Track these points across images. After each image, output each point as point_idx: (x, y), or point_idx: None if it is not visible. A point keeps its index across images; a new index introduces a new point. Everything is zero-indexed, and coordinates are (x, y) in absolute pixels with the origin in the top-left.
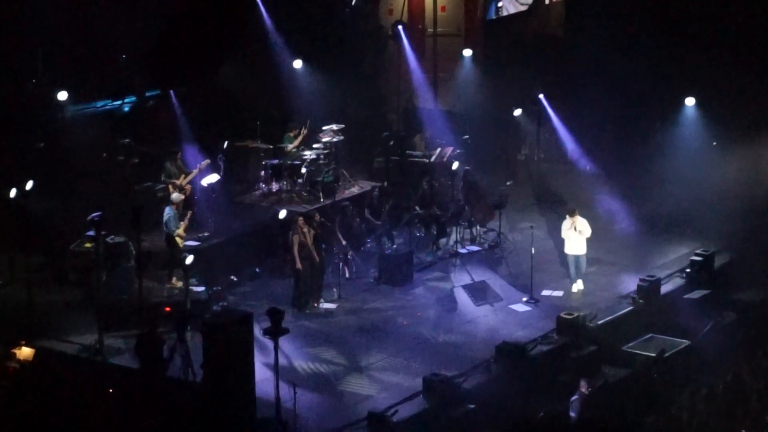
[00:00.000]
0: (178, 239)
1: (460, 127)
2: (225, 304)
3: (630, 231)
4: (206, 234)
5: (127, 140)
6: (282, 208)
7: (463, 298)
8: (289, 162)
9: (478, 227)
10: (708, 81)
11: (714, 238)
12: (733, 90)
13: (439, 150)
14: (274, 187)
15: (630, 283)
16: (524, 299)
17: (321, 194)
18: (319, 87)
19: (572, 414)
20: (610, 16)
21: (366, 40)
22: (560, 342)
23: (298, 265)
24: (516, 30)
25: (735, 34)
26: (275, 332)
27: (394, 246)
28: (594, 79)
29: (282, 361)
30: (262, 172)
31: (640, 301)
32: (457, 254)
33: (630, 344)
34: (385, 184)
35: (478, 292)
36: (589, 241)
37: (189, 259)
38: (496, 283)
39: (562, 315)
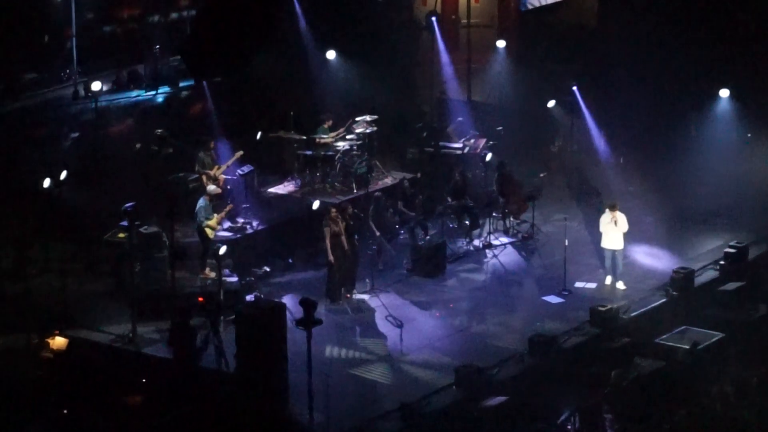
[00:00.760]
0: (208, 230)
1: (494, 119)
2: (258, 294)
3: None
4: (239, 224)
5: (160, 131)
6: (315, 199)
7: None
8: (322, 153)
9: (511, 219)
10: (743, 73)
11: (748, 230)
12: None
13: (472, 141)
14: (308, 178)
15: (664, 275)
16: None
17: (354, 185)
18: (353, 78)
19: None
20: (644, 7)
21: (399, 32)
22: (593, 334)
23: (330, 257)
24: (549, 21)
25: None
26: (308, 323)
27: (427, 237)
28: (627, 70)
29: (314, 351)
30: (296, 163)
31: (674, 293)
32: (490, 246)
33: (663, 336)
34: (418, 175)
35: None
36: (623, 233)
37: (222, 250)
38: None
39: (595, 307)
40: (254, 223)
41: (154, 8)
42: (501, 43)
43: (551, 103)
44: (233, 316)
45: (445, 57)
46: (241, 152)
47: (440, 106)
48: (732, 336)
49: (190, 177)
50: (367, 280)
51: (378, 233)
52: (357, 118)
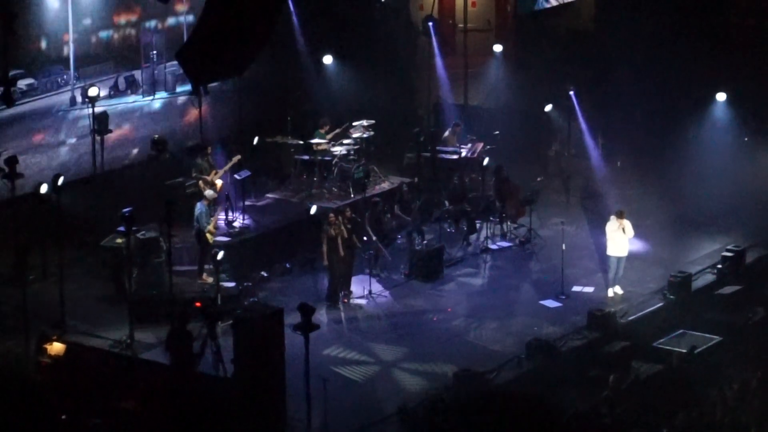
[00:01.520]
0: (208, 235)
1: (491, 123)
2: (255, 299)
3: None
4: (237, 230)
5: (158, 136)
6: (313, 204)
7: None
8: (319, 158)
9: (509, 223)
10: (739, 76)
11: (745, 233)
12: (765, 85)
13: (469, 145)
14: (305, 182)
15: (661, 279)
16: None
17: (351, 190)
18: (350, 82)
19: None
20: (642, 11)
21: (396, 36)
22: (591, 338)
23: (325, 262)
24: (547, 25)
25: (767, 29)
26: (306, 328)
27: (425, 242)
28: (625, 74)
29: (312, 356)
30: (293, 168)
31: (672, 296)
32: (487, 250)
33: (661, 340)
34: (416, 179)
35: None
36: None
37: (220, 255)
38: None
39: (593, 311)
40: (252, 228)
41: (152, 14)
42: (498, 48)
43: (548, 107)
44: (231, 322)
45: (441, 61)
46: (238, 157)
47: (437, 111)
48: (730, 339)
49: (187, 182)
50: (365, 285)
51: (375, 238)
52: (354, 123)
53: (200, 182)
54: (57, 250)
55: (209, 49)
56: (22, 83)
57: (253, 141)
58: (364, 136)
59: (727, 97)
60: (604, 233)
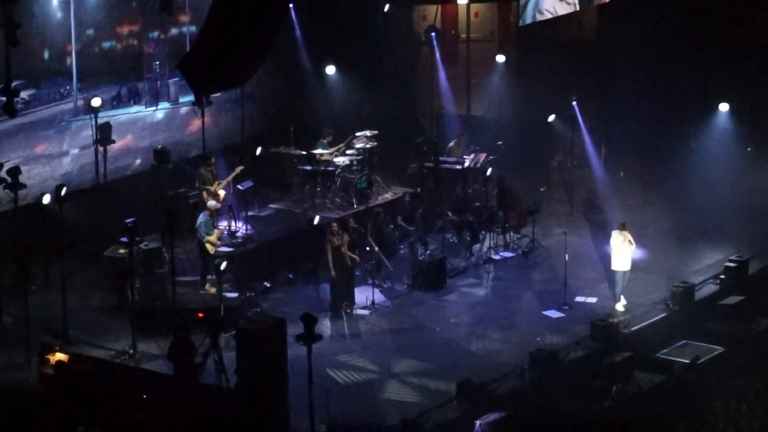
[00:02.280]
0: (209, 246)
1: (494, 133)
2: (258, 309)
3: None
4: (239, 240)
5: (160, 146)
6: (316, 214)
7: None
8: (322, 168)
9: (511, 233)
10: (742, 86)
11: (748, 244)
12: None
13: (472, 156)
14: (308, 193)
15: (664, 289)
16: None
17: (354, 200)
18: (352, 93)
19: None
20: (644, 21)
21: (399, 46)
22: (594, 348)
23: (333, 271)
24: (549, 35)
25: None
26: (309, 338)
27: (428, 252)
28: (627, 84)
29: (315, 367)
30: (296, 178)
31: (675, 307)
32: (490, 260)
33: (664, 350)
34: (419, 190)
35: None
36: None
37: (223, 265)
38: None
39: (595, 321)
40: (254, 239)
41: (154, 24)
42: (501, 58)
43: (551, 118)
44: (234, 332)
45: (444, 71)
46: (241, 167)
47: (440, 121)
48: (733, 350)
49: (190, 193)
50: (368, 295)
51: (377, 248)
52: (357, 133)
53: (203, 193)
54: (59, 261)
55: (211, 59)
56: (25, 94)
57: (255, 151)
58: (367, 146)
59: (730, 107)
60: (606, 243)
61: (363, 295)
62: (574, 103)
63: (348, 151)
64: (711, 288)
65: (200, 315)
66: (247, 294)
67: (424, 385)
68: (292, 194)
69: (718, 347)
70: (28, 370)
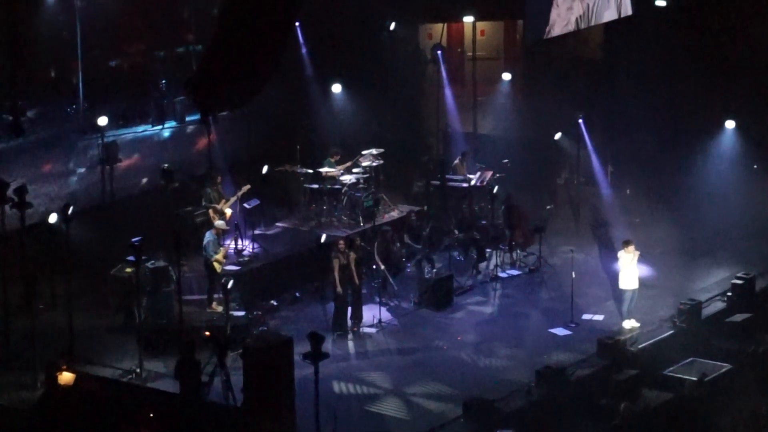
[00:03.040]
0: (216, 264)
1: (500, 151)
2: (265, 328)
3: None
4: (246, 258)
5: (167, 165)
6: (322, 232)
7: None
8: (329, 186)
9: (518, 251)
10: (748, 104)
11: (755, 261)
12: None
13: (479, 174)
14: (314, 211)
15: (671, 307)
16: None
17: (361, 218)
18: (359, 111)
19: None
20: (649, 39)
21: (405, 64)
22: (601, 366)
23: (339, 290)
24: (555, 53)
25: None
26: (315, 356)
27: (434, 270)
28: (633, 101)
29: (322, 385)
30: (303, 197)
31: (682, 324)
32: (497, 278)
33: (671, 368)
34: (425, 208)
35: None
36: None
37: (230, 284)
38: None
39: (602, 339)
40: (261, 257)
41: (161, 43)
42: (507, 76)
43: (558, 135)
44: (241, 350)
45: (450, 89)
46: (248, 186)
47: (446, 139)
48: (740, 367)
49: (196, 211)
50: (374, 314)
51: (383, 267)
52: (363, 152)
53: (210, 211)
54: (66, 280)
55: (217, 78)
56: (31, 113)
57: (262, 170)
58: (374, 164)
59: (736, 124)
60: (613, 260)
61: (370, 313)
62: (581, 120)
63: (354, 170)
64: (718, 305)
65: (207, 333)
66: (254, 312)
67: (431, 404)
68: (299, 213)
69: (726, 365)
70: (34, 390)
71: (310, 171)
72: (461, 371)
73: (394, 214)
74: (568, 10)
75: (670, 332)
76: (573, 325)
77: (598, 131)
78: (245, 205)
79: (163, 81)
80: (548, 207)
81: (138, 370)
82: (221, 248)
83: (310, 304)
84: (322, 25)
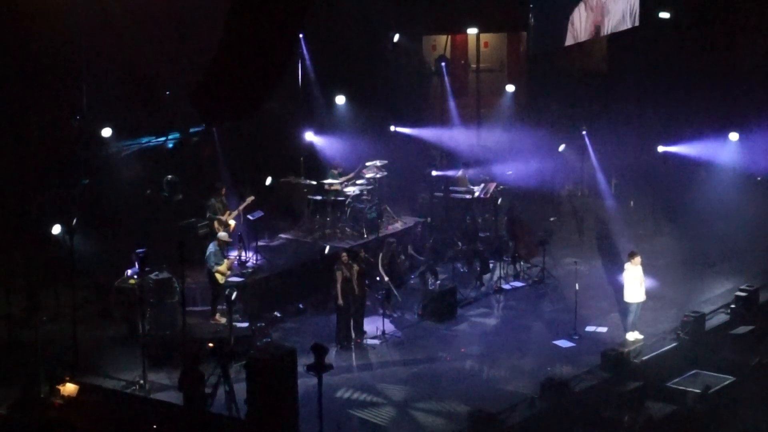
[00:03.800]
0: (218, 275)
1: (504, 163)
2: (269, 339)
3: None
4: (250, 270)
5: (171, 176)
6: (326, 244)
7: None
8: (332, 198)
9: (521, 263)
10: (752, 116)
11: (758, 273)
12: None
13: (482, 185)
14: (318, 223)
15: (675, 319)
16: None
17: (365, 230)
18: (362, 122)
19: None
20: (653, 51)
21: (409, 76)
22: (604, 378)
23: (340, 302)
24: (559, 65)
25: None
26: (319, 368)
27: (438, 282)
28: (637, 113)
29: (326, 397)
30: (306, 209)
31: (685, 336)
32: (501, 290)
33: (675, 380)
34: (429, 219)
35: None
36: None
37: (233, 295)
38: None
39: (606, 351)
40: (265, 269)
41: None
42: (510, 88)
43: (562, 147)
44: (244, 362)
45: (454, 101)
46: (252, 198)
47: (450, 151)
48: (743, 380)
49: (200, 223)
50: (378, 325)
51: (387, 279)
52: (367, 163)
53: (215, 223)
54: (70, 291)
55: (221, 90)
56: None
57: (265, 181)
58: (377, 176)
59: (740, 136)
60: (617, 272)
61: (373, 325)
62: (584, 132)
63: (358, 181)
64: (721, 317)
65: (210, 345)
66: (258, 324)
67: (435, 416)
68: (303, 224)
69: (729, 377)
70: (38, 401)
71: (314, 182)
72: (465, 383)
73: (398, 225)
74: (579, 21)
75: (674, 344)
76: (576, 337)
77: (601, 143)
78: (249, 216)
79: (167, 92)
80: (552, 219)
81: (141, 382)
82: (225, 260)
83: (314, 316)
84: (326, 36)
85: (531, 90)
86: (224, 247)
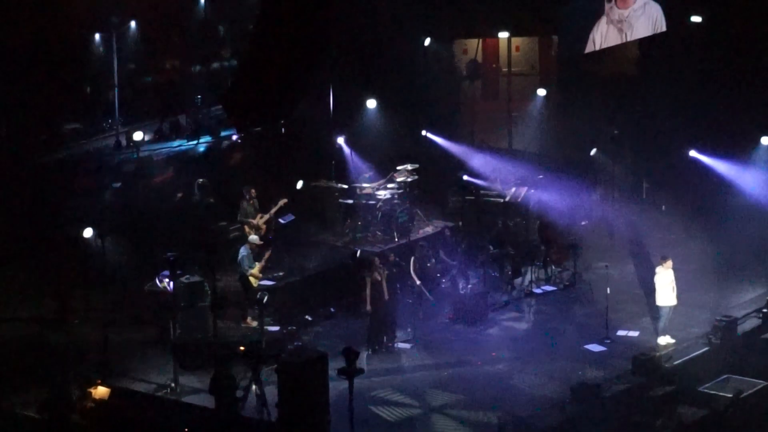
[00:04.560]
0: (251, 279)
1: (535, 167)
2: (299, 343)
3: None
4: (281, 273)
5: (202, 180)
6: (357, 248)
7: None
8: (363, 202)
9: (553, 267)
10: None
11: None
12: None
13: (514, 189)
14: (349, 227)
15: (706, 324)
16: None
17: (396, 234)
18: (393, 126)
19: None
20: (684, 55)
21: (440, 80)
22: (636, 382)
23: (368, 307)
24: (590, 69)
25: None
26: (350, 372)
27: (469, 286)
28: (668, 117)
29: (357, 401)
30: (337, 212)
31: (717, 341)
32: (532, 294)
33: (706, 385)
34: (460, 223)
35: None
36: None
37: (264, 299)
38: None
39: (637, 355)
40: (296, 272)
41: (196, 58)
42: (542, 92)
43: (593, 151)
44: (275, 365)
45: (485, 105)
46: (284, 200)
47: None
48: None
49: (231, 226)
50: (409, 329)
51: (419, 282)
52: (398, 167)
53: (245, 226)
54: (101, 294)
55: (253, 94)
56: (68, 127)
57: (296, 185)
58: (408, 180)
59: None
60: (648, 276)
61: (404, 329)
62: (615, 136)
63: (389, 185)
64: (754, 322)
65: (242, 348)
66: (289, 327)
67: (466, 420)
68: (334, 228)
69: (761, 381)
70: (69, 404)
71: (345, 186)
72: (495, 387)
73: (429, 229)
74: (606, 26)
75: (705, 349)
76: (608, 342)
77: (633, 147)
78: (280, 220)
79: (198, 96)
80: (583, 223)
81: (173, 385)
82: (257, 263)
83: (345, 320)
84: (357, 41)
85: (562, 94)
86: (255, 250)
